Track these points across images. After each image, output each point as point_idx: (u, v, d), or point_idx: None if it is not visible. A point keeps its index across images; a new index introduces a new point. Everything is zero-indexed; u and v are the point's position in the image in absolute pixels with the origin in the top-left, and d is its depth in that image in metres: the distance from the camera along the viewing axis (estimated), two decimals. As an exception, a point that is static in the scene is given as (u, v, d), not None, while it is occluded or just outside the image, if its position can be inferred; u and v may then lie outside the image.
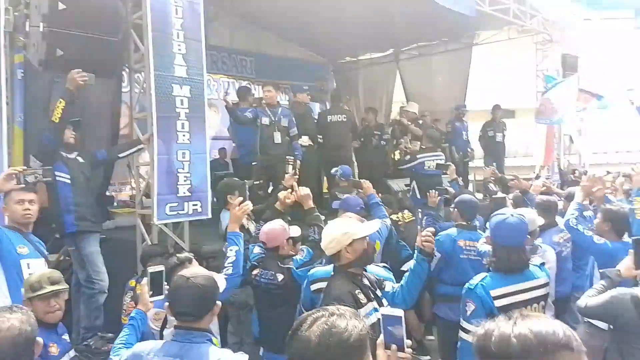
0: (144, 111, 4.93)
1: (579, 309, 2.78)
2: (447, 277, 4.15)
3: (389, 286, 2.73)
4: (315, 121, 7.69)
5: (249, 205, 3.20)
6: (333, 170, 6.29)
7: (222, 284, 2.52)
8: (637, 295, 2.42)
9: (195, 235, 5.16)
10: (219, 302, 2.18)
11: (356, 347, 1.37)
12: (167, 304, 2.18)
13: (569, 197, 4.53)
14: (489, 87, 12.13)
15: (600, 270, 3.07)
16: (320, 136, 7.42)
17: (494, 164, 8.06)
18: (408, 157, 6.99)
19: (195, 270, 2.23)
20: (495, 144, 9.36)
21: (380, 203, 4.62)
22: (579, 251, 4.21)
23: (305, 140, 6.98)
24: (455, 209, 4.33)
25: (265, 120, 6.27)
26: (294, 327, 1.42)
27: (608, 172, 7.70)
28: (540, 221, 3.66)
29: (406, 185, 7.44)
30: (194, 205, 4.76)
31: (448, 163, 6.80)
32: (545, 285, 2.77)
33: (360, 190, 4.89)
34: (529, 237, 2.91)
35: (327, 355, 1.33)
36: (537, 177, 9.36)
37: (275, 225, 3.53)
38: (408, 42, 10.73)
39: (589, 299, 2.68)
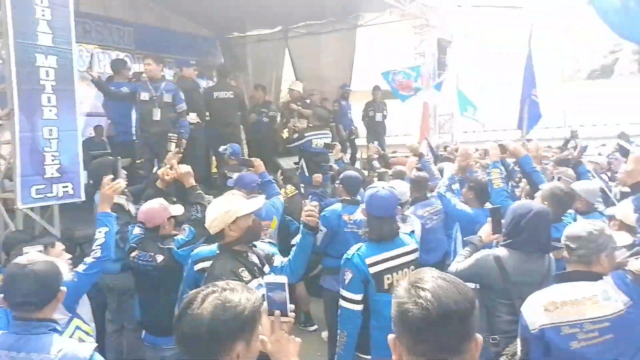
0: (2, 83, 4.39)
1: (451, 274, 3.02)
2: (333, 250, 4.28)
3: (278, 261, 2.79)
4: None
5: (119, 184, 3.06)
6: (221, 149, 6.14)
7: (65, 270, 2.41)
8: (498, 255, 2.68)
9: (68, 219, 4.77)
10: (63, 288, 2.05)
11: (250, 319, 1.40)
12: (1, 295, 1.99)
13: (441, 172, 4.91)
14: (372, 68, 12.57)
15: (465, 238, 3.36)
16: (207, 113, 7.19)
17: (376, 142, 8.45)
18: (296, 135, 7.03)
19: (32, 257, 2.06)
20: (376, 124, 9.75)
21: (273, 181, 4.66)
22: (448, 220, 4.61)
23: (192, 117, 6.70)
24: (340, 185, 4.47)
25: (144, 96, 5.89)
26: (182, 306, 1.40)
27: (476, 150, 8.45)
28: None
29: (295, 164, 7.51)
30: (64, 187, 4.38)
31: (334, 142, 6.98)
32: (415, 251, 2.99)
33: (251, 168, 4.86)
34: (399, 207, 3.10)
35: (222, 330, 1.34)
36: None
37: (154, 204, 3.39)
38: (297, 19, 10.75)
39: (458, 264, 2.93)
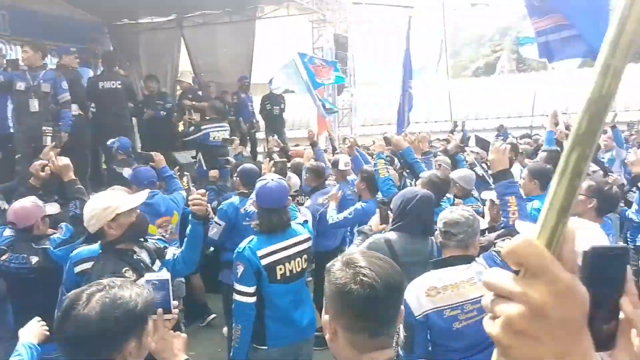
0: None
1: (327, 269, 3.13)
2: (231, 244, 4.22)
3: (170, 254, 2.69)
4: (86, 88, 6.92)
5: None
6: (109, 142, 5.79)
7: None
8: (388, 238, 2.83)
9: None
10: None
11: (143, 314, 1.37)
12: None
13: (335, 164, 5.05)
14: (272, 61, 12.53)
15: (356, 229, 3.50)
16: (93, 105, 6.72)
17: (274, 135, 8.46)
18: (192, 128, 6.83)
19: None
20: (274, 117, 9.67)
21: (175, 176, 4.51)
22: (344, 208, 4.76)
23: (74, 108, 6.23)
24: (237, 178, 4.43)
25: (20, 85, 5.37)
26: (64, 308, 1.33)
27: (374, 142, 8.80)
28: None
29: (192, 157, 7.30)
30: None
31: (232, 137, 6.88)
32: (308, 240, 3.06)
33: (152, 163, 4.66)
34: (290, 198, 3.15)
35: (114, 328, 1.30)
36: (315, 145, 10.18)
37: (26, 203, 3.13)
38: (192, 8, 10.38)
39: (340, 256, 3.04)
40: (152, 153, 4.77)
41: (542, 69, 12.94)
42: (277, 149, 7.33)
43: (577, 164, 0.48)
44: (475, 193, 4.55)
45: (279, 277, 2.86)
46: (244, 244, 2.85)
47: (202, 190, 2.72)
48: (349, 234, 4.66)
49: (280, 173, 4.15)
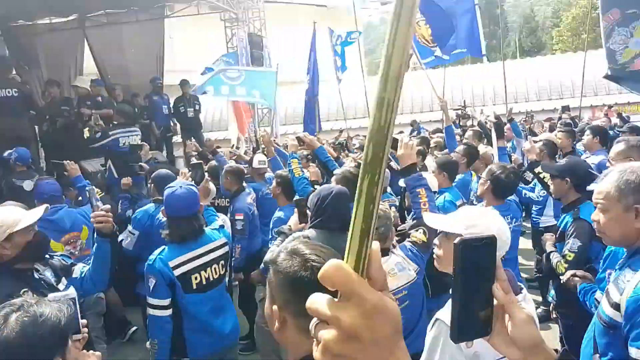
0: None
1: (266, 262, 3.10)
2: (147, 254, 4.06)
3: (78, 271, 2.54)
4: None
5: None
6: (6, 154, 5.34)
7: None
8: (307, 235, 2.77)
9: None
10: None
11: (67, 329, 1.34)
12: None
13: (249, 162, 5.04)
14: (184, 61, 12.19)
15: (275, 230, 3.48)
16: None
17: (192, 138, 8.21)
18: (99, 134, 6.44)
19: None
20: (189, 120, 9.26)
21: (88, 187, 4.25)
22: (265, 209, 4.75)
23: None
24: (152, 185, 4.27)
25: None
26: None
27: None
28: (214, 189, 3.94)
29: (102, 165, 6.90)
30: None
31: (142, 143, 6.56)
32: (224, 245, 2.96)
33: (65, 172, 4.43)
34: (202, 204, 3.07)
35: (39, 347, 1.25)
36: (237, 147, 10.03)
37: None
38: (94, 7, 9.86)
39: (271, 253, 3.02)
40: (65, 162, 4.51)
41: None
42: (195, 153, 7.11)
43: (370, 190, 0.52)
44: (388, 188, 4.68)
45: (194, 287, 2.74)
46: (154, 255, 2.72)
47: (107, 206, 2.56)
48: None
49: (199, 178, 4.01)
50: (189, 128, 9.15)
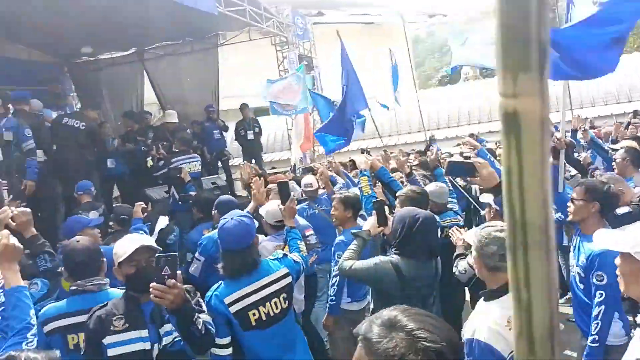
0: None
1: (342, 269, 2.97)
2: (214, 281, 4.06)
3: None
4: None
5: (6, 212, 2.65)
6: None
7: None
8: (395, 262, 2.71)
9: None
10: None
11: None
12: None
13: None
14: (239, 86, 12.45)
15: (352, 232, 3.36)
16: (55, 145, 6.51)
17: (253, 160, 8.31)
18: (162, 163, 6.63)
19: None
20: (248, 142, 9.53)
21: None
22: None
23: (40, 154, 5.98)
24: (216, 211, 4.27)
25: (-18, 135, 5.16)
26: None
27: (350, 160, 8.67)
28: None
29: (166, 192, 7.08)
30: None
31: (180, 167, 6.55)
32: (286, 276, 2.75)
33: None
34: (257, 235, 2.85)
35: None
36: (293, 169, 10.07)
37: None
38: (151, 41, 10.26)
39: (350, 261, 2.90)
40: (137, 204, 4.65)
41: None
42: (254, 176, 7.16)
43: None
44: (454, 207, 4.47)
45: (254, 323, 2.57)
46: (210, 292, 2.59)
47: (172, 281, 1.99)
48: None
49: (285, 197, 3.48)
50: (250, 151, 9.32)
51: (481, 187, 3.54)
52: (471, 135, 12.35)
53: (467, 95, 18.79)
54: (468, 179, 5.10)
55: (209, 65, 10.48)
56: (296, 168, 10.22)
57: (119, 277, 2.36)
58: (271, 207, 4.10)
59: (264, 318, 2.61)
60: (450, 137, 14.34)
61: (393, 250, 2.83)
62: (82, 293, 2.68)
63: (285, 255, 2.96)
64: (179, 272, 1.99)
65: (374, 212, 3.13)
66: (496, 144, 9.37)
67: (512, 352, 2.10)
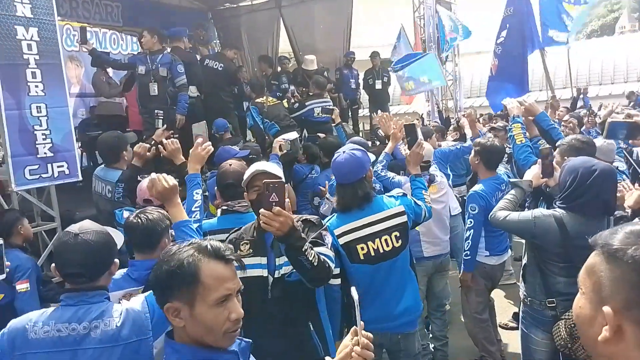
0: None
1: (494, 220, 2.81)
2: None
3: None
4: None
5: (210, 146, 2.87)
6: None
7: (119, 239, 2.33)
8: (559, 216, 2.47)
9: (67, 201, 4.55)
10: (116, 260, 1.88)
11: None
12: (53, 264, 1.84)
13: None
14: (369, 35, 12.18)
15: (511, 180, 3.16)
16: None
17: (379, 111, 8.17)
18: (297, 105, 6.75)
19: (84, 225, 1.85)
20: (377, 92, 9.40)
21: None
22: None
23: (193, 90, 6.43)
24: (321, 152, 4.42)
25: (141, 69, 5.64)
26: None
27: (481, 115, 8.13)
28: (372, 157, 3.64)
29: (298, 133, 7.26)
30: (59, 166, 4.15)
31: (333, 107, 6.72)
32: (399, 214, 2.68)
33: None
34: (371, 168, 2.81)
35: None
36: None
37: (142, 182, 3.15)
38: (289, -13, 10.34)
39: (504, 211, 2.73)
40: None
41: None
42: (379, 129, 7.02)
43: None
44: (620, 166, 3.94)
45: (362, 257, 2.59)
46: (324, 222, 2.60)
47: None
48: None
49: (412, 141, 3.49)
50: (377, 100, 9.17)
51: None
52: (631, 94, 10.83)
53: (624, 49, 16.45)
54: (630, 141, 4.50)
55: (342, 13, 10.30)
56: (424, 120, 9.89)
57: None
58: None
59: (372, 253, 2.60)
60: (602, 95, 12.72)
61: (558, 203, 2.54)
62: (232, 213, 2.85)
63: (405, 194, 2.84)
64: (287, 199, 1.96)
65: (539, 160, 2.88)
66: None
67: None
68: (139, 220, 2.26)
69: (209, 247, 1.33)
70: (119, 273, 2.17)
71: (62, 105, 4.22)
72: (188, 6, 10.61)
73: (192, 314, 1.28)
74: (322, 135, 5.90)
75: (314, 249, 2.07)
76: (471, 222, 3.54)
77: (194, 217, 2.57)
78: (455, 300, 4.44)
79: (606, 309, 0.87)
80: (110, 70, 7.32)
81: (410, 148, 3.21)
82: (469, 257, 3.63)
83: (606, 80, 15.56)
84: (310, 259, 1.99)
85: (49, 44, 4.13)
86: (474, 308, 3.78)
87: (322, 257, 2.10)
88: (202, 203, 2.72)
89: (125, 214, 3.15)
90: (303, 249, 1.96)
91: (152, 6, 9.69)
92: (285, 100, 7.43)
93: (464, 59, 13.24)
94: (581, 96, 10.71)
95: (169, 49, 5.97)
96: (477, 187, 3.64)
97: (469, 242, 3.58)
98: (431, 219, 3.05)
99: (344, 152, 2.66)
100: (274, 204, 1.91)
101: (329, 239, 2.27)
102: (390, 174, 3.87)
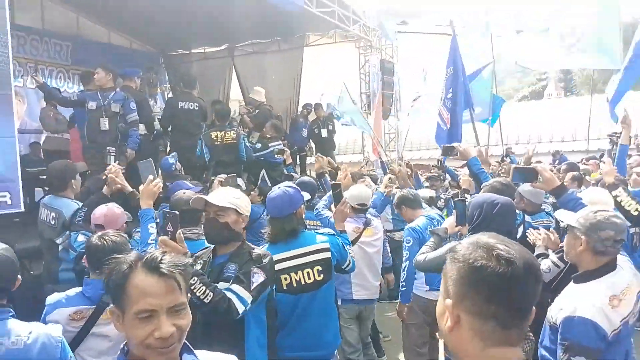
0: None
1: (418, 264, 3.02)
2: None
3: None
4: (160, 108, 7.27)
5: (160, 183, 3.03)
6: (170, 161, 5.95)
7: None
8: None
9: (6, 232, 4.38)
10: (19, 277, 1.96)
11: None
12: None
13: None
14: (319, 87, 12.71)
15: (430, 230, 3.39)
16: (169, 125, 7.00)
17: (318, 154, 8.50)
18: (259, 145, 6.92)
19: None
20: (323, 140, 9.78)
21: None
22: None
23: (141, 128, 6.47)
24: None
25: (92, 105, 5.65)
26: None
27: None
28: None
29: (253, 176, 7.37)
30: (1, 196, 4.05)
31: (285, 148, 7.00)
32: (323, 250, 2.86)
33: None
34: (304, 205, 3.03)
35: None
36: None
37: (114, 208, 3.30)
38: (242, 38, 10.74)
39: (424, 255, 2.94)
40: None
41: (595, 92, 12.51)
42: (329, 169, 7.27)
43: None
44: (546, 207, 4.35)
45: (284, 287, 2.77)
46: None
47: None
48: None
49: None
50: (324, 147, 9.51)
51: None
52: (556, 152, 11.83)
53: (549, 113, 18.04)
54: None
55: (293, 64, 10.77)
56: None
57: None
58: (355, 190, 4.24)
59: (294, 284, 2.77)
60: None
61: (469, 235, 2.78)
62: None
63: (334, 234, 3.05)
64: (179, 231, 2.14)
65: (454, 210, 3.13)
66: (582, 160, 8.92)
67: (614, 330, 2.04)
68: (104, 242, 2.39)
69: (147, 257, 1.28)
70: (74, 291, 2.19)
71: (9, 136, 4.17)
72: (139, 49, 10.74)
73: (124, 322, 1.26)
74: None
75: (224, 285, 2.22)
76: (407, 254, 3.76)
77: (150, 249, 2.65)
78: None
79: (447, 300, 1.07)
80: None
81: (336, 206, 3.43)
82: (405, 288, 3.81)
83: (534, 139, 16.92)
84: (199, 294, 2.06)
85: (2, 75, 4.12)
86: (414, 341, 3.93)
87: (224, 294, 2.15)
88: (157, 236, 2.79)
89: (81, 237, 3.16)
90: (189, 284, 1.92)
91: (102, 47, 9.76)
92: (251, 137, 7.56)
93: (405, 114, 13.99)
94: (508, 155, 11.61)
95: (118, 88, 6.03)
96: (412, 224, 3.94)
97: (404, 274, 3.79)
98: (364, 261, 3.26)
99: (279, 188, 2.89)
100: (169, 233, 2.11)
101: (259, 277, 2.29)
102: (329, 214, 4.10)
